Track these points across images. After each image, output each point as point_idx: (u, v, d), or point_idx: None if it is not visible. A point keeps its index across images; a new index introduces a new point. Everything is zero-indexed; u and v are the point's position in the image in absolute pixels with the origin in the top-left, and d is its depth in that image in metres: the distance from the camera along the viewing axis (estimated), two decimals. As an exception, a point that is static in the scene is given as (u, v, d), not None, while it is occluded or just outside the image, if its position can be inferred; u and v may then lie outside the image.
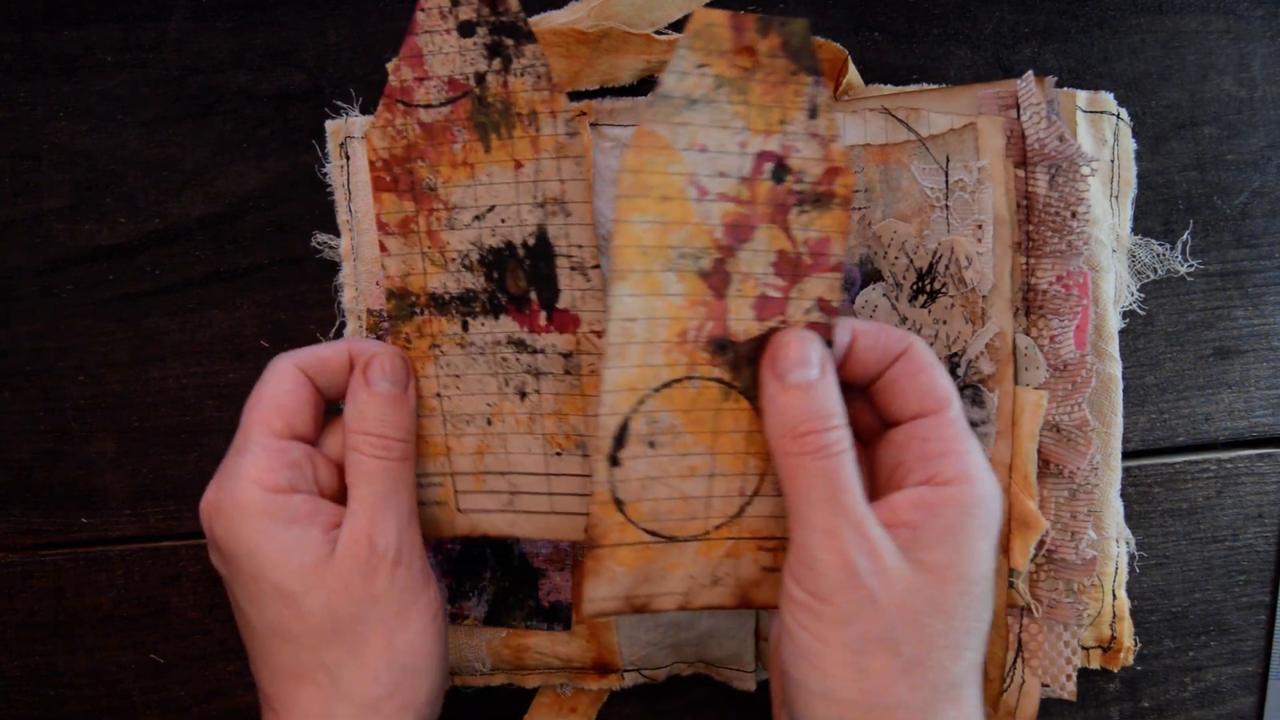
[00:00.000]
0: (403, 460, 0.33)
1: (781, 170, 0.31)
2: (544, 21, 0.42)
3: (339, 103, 0.42)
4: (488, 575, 0.42)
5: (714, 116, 0.30)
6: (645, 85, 0.43)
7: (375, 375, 0.33)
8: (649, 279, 0.31)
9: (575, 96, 0.42)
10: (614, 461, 0.32)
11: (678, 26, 0.42)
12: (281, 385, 0.33)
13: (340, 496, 0.33)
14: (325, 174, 0.42)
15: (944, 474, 0.31)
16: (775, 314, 0.32)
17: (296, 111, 0.42)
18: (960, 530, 0.30)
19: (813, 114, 0.30)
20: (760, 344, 0.32)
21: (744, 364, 0.33)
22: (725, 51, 0.30)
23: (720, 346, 0.32)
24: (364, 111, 0.42)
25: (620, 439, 0.32)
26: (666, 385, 0.32)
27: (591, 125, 0.42)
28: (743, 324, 0.32)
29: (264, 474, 0.31)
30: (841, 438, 0.31)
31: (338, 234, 0.42)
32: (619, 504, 0.33)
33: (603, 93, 0.42)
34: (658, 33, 0.42)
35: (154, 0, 0.42)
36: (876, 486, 0.33)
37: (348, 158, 0.42)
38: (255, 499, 0.31)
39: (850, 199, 0.32)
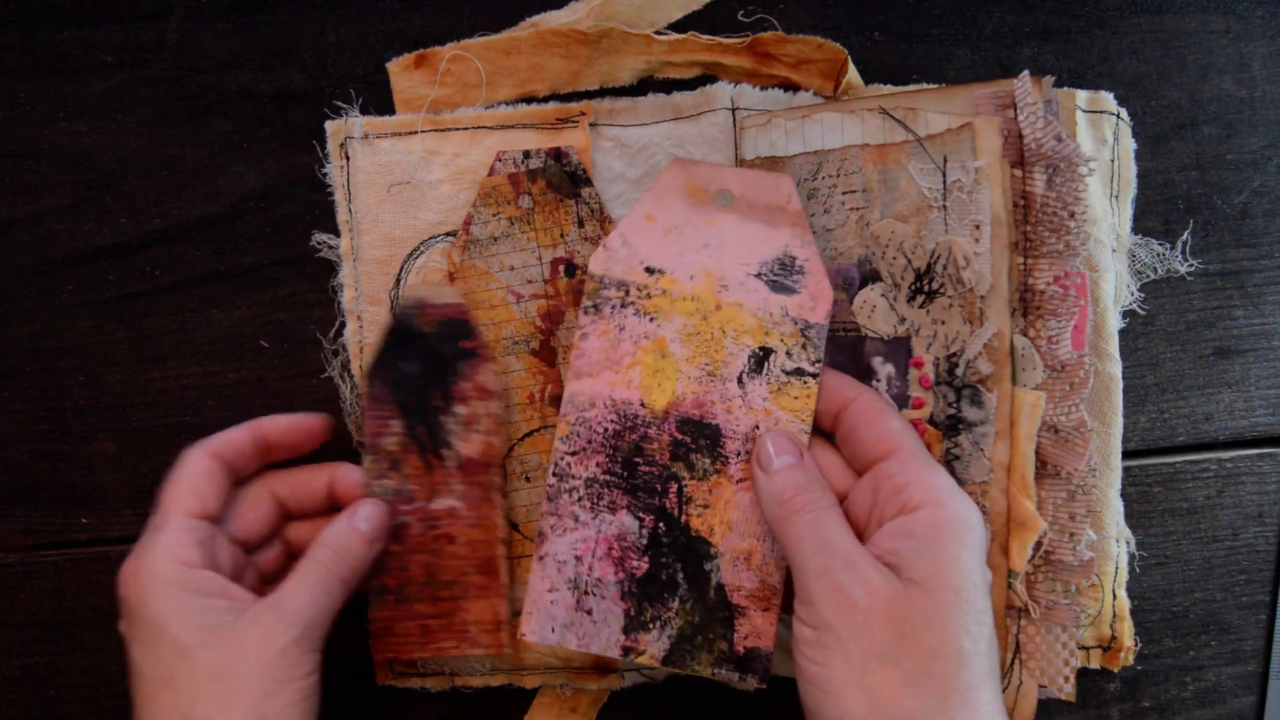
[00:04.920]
0: (346, 580, 0.38)
1: (571, 268, 0.41)
2: (544, 21, 0.42)
3: (339, 103, 0.42)
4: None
5: (514, 244, 0.41)
6: (645, 85, 0.43)
7: (360, 519, 0.39)
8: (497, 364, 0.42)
9: (575, 96, 0.42)
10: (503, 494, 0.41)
11: (678, 27, 0.42)
12: (195, 471, 0.37)
13: (236, 572, 0.38)
14: (325, 174, 0.42)
15: (913, 500, 0.34)
16: None
17: (296, 111, 0.43)
18: (937, 544, 0.33)
19: (580, 224, 0.41)
20: None
21: None
22: (510, 200, 0.41)
23: (557, 400, 0.42)
24: (364, 111, 0.42)
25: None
26: (528, 434, 0.42)
27: (591, 125, 0.42)
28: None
29: (178, 550, 0.35)
30: (823, 497, 0.36)
31: (337, 234, 0.42)
32: (514, 525, 0.42)
33: (603, 93, 0.42)
34: (657, 33, 0.42)
35: (154, 0, 0.42)
36: (863, 534, 0.36)
37: (348, 158, 0.42)
38: (169, 570, 0.35)
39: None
